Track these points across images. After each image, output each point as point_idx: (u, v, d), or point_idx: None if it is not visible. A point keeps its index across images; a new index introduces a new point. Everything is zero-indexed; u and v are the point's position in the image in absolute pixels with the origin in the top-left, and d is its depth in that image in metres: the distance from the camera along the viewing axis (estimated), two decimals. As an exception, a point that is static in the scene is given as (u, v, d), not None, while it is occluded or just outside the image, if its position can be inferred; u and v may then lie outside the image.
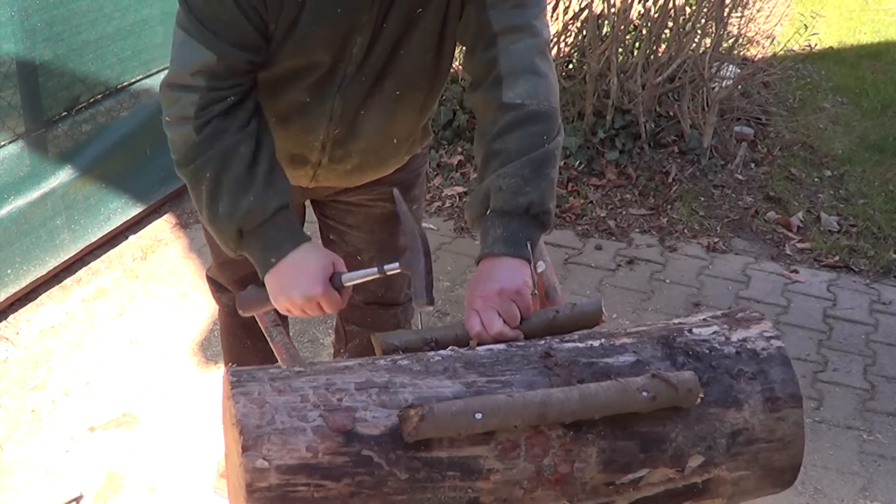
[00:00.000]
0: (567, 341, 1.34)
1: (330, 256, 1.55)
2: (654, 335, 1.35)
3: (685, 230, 3.90)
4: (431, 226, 3.78)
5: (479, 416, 1.14)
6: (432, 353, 1.30)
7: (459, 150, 4.31)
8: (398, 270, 1.52)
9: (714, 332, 1.36)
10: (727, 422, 1.28)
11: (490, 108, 1.55)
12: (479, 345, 1.36)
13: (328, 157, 1.75)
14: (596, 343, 1.33)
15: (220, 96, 1.51)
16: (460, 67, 3.74)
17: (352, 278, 1.54)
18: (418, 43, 1.61)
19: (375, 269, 1.53)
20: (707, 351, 1.32)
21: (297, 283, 1.50)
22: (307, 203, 2.05)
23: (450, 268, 3.54)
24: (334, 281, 1.53)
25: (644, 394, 1.20)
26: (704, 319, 1.40)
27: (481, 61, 1.57)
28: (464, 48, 1.64)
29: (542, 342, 1.34)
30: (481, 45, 1.56)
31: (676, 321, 1.42)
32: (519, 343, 1.34)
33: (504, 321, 1.39)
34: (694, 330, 1.36)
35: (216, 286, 2.17)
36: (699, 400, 1.25)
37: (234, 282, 2.06)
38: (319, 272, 1.50)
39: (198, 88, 1.50)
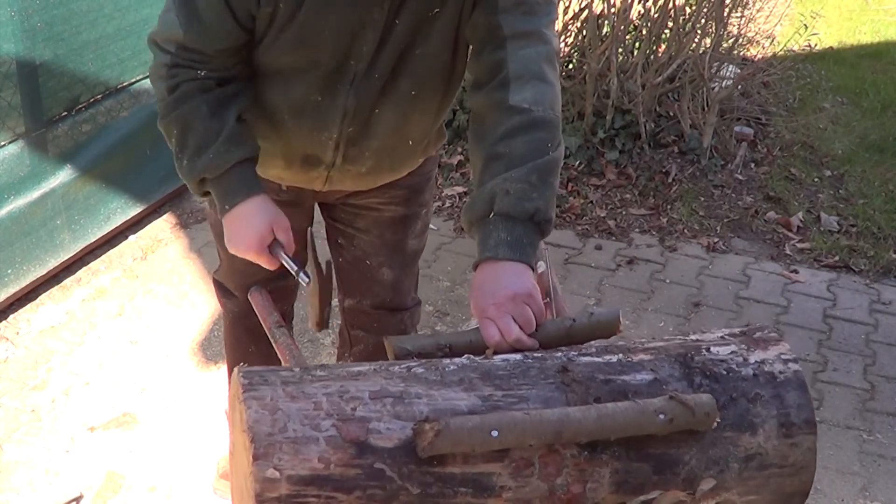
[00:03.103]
0: (584, 354, 1.32)
1: (272, 222, 1.63)
2: (672, 352, 1.34)
3: (685, 230, 3.90)
4: (432, 226, 3.77)
5: (495, 433, 1.13)
6: (447, 360, 1.28)
7: (459, 150, 4.31)
8: (306, 283, 1.64)
9: (732, 353, 1.34)
10: (741, 446, 1.27)
11: (494, 110, 1.53)
12: (495, 353, 1.34)
13: (342, 156, 1.73)
14: (613, 359, 1.31)
15: (189, 65, 1.59)
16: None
17: (283, 258, 1.66)
18: (434, 43, 1.60)
19: (299, 272, 1.64)
20: (725, 372, 1.30)
21: (237, 239, 1.64)
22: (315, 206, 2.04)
23: (450, 268, 3.54)
24: (272, 247, 1.65)
25: (661, 416, 1.19)
26: (722, 337, 1.38)
27: (487, 62, 1.55)
28: (470, 49, 1.63)
29: (559, 354, 1.32)
30: (489, 47, 1.55)
31: (694, 337, 1.39)
32: (536, 355, 1.32)
33: (520, 327, 1.37)
34: (712, 349, 1.34)
35: (223, 290, 2.15)
36: (715, 424, 1.24)
37: (242, 287, 2.04)
38: (255, 237, 1.62)
39: (169, 53, 1.60)
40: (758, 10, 5.03)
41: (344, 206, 1.96)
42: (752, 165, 4.48)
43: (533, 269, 1.45)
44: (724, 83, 4.59)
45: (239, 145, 1.60)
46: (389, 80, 1.63)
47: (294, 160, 1.73)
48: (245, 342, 2.17)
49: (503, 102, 1.51)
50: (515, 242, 1.44)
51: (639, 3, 4.40)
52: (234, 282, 2.08)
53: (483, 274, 1.44)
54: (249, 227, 1.62)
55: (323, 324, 1.66)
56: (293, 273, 1.65)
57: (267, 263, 1.66)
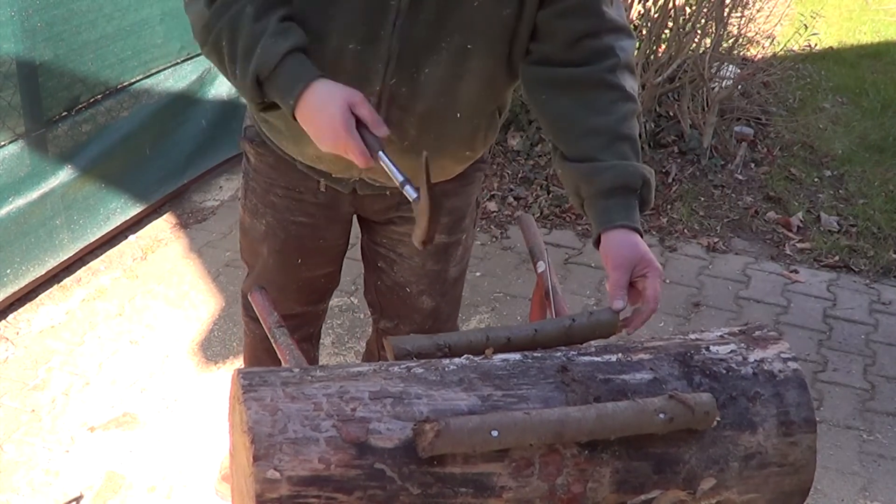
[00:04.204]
0: (584, 354, 1.32)
1: (346, 99, 1.47)
2: (672, 352, 1.34)
3: (685, 230, 3.90)
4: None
5: (495, 433, 1.13)
6: (447, 360, 1.28)
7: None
8: (415, 197, 1.48)
9: (731, 352, 1.34)
10: (741, 445, 1.27)
11: (607, 88, 1.57)
12: (492, 354, 1.34)
13: (384, 115, 1.61)
14: (613, 358, 1.31)
15: None
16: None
17: (383, 159, 1.48)
18: None
19: (404, 183, 1.48)
20: (724, 371, 1.31)
21: (319, 133, 1.49)
22: (355, 225, 1.99)
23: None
24: (363, 135, 1.48)
25: (661, 415, 1.19)
26: (721, 336, 1.38)
27: (591, 47, 1.57)
28: (555, 36, 1.59)
29: (559, 353, 1.32)
30: (590, 36, 1.57)
31: (693, 336, 1.40)
32: (535, 355, 1.33)
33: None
34: (711, 348, 1.34)
35: (249, 309, 2.09)
36: (715, 423, 1.24)
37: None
38: (338, 120, 1.46)
39: None
40: (758, 10, 5.02)
41: (385, 232, 1.91)
42: (752, 165, 4.48)
43: None
44: (724, 83, 4.59)
45: (286, 36, 1.50)
46: (438, 27, 1.54)
47: None
48: (266, 363, 2.10)
49: (617, 85, 1.56)
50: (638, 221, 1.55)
51: (639, 3, 4.40)
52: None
53: (631, 237, 1.52)
54: (324, 114, 1.47)
55: (429, 241, 1.51)
56: (395, 178, 1.48)
57: (359, 157, 1.48)
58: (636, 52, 4.45)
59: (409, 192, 1.47)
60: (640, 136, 4.37)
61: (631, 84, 1.58)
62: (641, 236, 1.53)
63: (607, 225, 1.52)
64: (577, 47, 1.57)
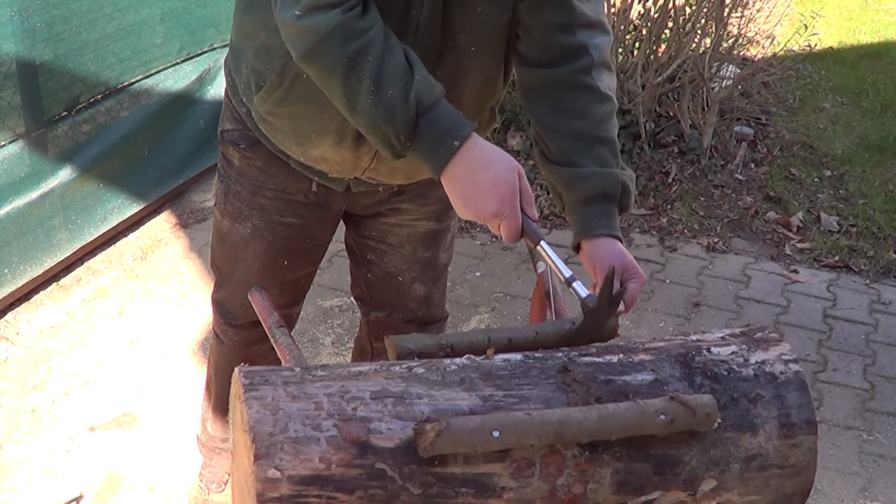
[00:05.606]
0: (585, 355, 1.32)
1: (516, 167, 1.39)
2: (673, 353, 1.34)
3: (685, 230, 3.90)
4: (431, 226, 3.77)
5: (496, 433, 1.13)
6: (448, 360, 1.28)
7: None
8: (585, 296, 1.39)
9: (733, 353, 1.34)
10: (742, 447, 1.27)
11: (581, 90, 1.55)
12: (496, 353, 1.34)
13: None
14: (614, 359, 1.31)
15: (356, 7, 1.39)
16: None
17: (546, 249, 1.41)
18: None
19: (570, 275, 1.41)
20: (725, 372, 1.31)
21: (483, 193, 1.37)
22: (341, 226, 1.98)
23: (450, 268, 3.53)
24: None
25: (662, 416, 1.19)
26: (723, 337, 1.38)
27: (564, 44, 1.55)
28: (528, 31, 1.59)
29: (560, 354, 1.32)
30: (563, 31, 1.55)
31: (694, 337, 1.40)
32: (537, 355, 1.33)
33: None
34: (712, 349, 1.34)
35: (225, 316, 2.01)
36: (716, 424, 1.24)
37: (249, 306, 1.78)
38: (508, 186, 1.37)
39: (334, 6, 1.38)
40: (758, 10, 5.03)
41: (374, 224, 1.91)
42: (752, 165, 4.48)
43: None
44: (724, 83, 4.59)
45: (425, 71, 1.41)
46: (447, 32, 1.55)
47: (348, 133, 1.63)
48: None
49: (593, 86, 1.55)
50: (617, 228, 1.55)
51: (639, 3, 4.40)
52: (240, 298, 1.88)
53: (615, 246, 1.51)
54: (492, 175, 1.37)
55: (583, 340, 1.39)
56: (562, 275, 1.42)
57: (512, 231, 1.41)
58: (636, 51, 4.46)
59: (579, 291, 1.40)
60: (639, 136, 4.38)
61: (607, 83, 1.57)
62: (622, 241, 1.53)
63: (588, 233, 1.53)
64: (551, 44, 1.56)
